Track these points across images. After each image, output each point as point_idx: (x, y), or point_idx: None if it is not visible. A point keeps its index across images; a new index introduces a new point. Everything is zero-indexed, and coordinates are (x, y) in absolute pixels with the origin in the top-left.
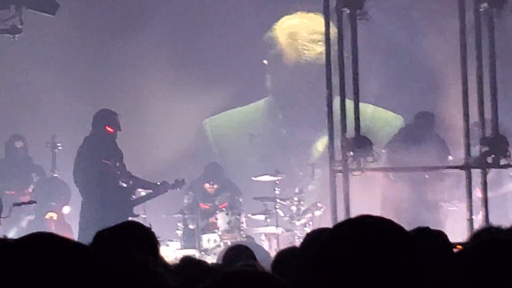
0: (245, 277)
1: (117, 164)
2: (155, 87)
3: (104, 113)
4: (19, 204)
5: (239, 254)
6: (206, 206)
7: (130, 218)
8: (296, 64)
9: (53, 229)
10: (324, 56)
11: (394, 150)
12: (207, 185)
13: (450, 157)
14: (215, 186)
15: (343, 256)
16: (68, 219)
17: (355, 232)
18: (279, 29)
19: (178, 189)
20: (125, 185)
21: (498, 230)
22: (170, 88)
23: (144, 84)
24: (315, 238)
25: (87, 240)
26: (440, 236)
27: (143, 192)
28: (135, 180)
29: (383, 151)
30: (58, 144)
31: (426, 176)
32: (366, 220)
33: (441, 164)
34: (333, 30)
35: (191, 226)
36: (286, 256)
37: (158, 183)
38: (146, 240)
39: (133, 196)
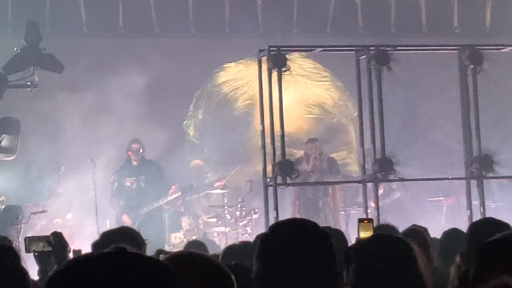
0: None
1: (138, 180)
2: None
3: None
4: (35, 213)
5: (196, 247)
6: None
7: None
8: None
9: (59, 230)
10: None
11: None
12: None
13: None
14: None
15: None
16: (70, 223)
17: (287, 228)
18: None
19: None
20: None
21: (387, 226)
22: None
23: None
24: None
25: None
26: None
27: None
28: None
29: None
30: (62, 168)
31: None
32: (294, 221)
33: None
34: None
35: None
36: (231, 248)
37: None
38: (137, 238)
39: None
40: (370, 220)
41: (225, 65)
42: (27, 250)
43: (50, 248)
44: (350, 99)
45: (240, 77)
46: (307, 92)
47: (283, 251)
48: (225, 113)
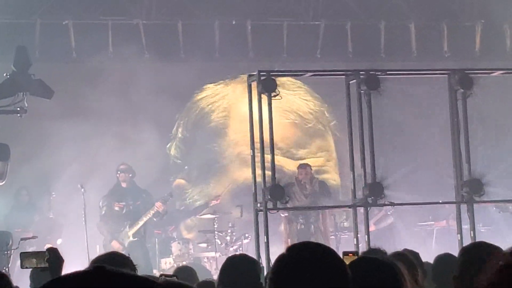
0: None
1: (127, 205)
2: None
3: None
4: (25, 239)
5: (185, 273)
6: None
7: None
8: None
9: None
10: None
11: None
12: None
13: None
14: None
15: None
16: (60, 248)
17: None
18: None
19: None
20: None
21: (376, 251)
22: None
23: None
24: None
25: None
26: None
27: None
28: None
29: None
30: (53, 193)
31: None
32: (307, 245)
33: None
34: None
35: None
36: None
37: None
38: (128, 264)
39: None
40: (355, 253)
41: (204, 86)
42: (22, 266)
43: (44, 265)
44: (325, 106)
45: (217, 93)
46: (282, 99)
47: (298, 273)
48: (202, 126)
